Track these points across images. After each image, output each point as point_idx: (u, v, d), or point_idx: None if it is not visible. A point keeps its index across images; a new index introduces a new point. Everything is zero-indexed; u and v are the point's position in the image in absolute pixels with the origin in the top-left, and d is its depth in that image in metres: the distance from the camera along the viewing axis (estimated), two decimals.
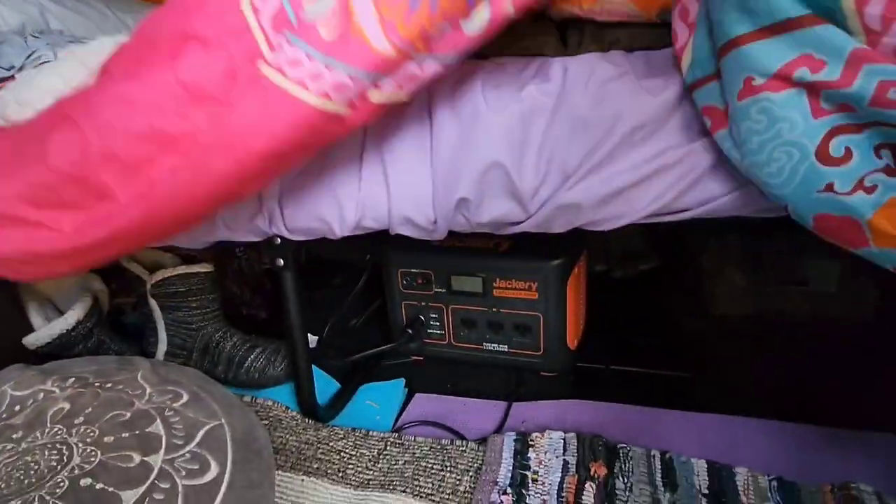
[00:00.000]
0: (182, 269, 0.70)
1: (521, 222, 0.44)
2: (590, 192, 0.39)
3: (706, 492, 0.52)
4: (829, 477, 0.53)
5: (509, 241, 0.77)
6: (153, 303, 0.72)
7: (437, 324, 0.81)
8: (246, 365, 0.73)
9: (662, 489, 0.53)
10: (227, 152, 0.40)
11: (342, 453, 0.61)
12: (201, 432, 0.44)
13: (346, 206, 0.49)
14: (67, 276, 0.72)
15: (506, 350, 0.78)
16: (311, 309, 0.90)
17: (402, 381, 0.75)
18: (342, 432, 0.65)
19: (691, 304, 0.93)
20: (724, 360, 0.79)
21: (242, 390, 0.73)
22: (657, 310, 0.96)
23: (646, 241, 1.19)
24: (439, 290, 0.78)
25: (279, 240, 0.56)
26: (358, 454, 0.61)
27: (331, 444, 0.63)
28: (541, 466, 0.56)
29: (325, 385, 0.77)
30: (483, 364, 0.82)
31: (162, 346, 0.74)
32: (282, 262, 0.58)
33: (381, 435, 0.64)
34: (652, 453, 0.57)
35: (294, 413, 0.67)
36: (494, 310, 0.76)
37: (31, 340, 0.67)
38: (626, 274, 1.08)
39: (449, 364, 0.84)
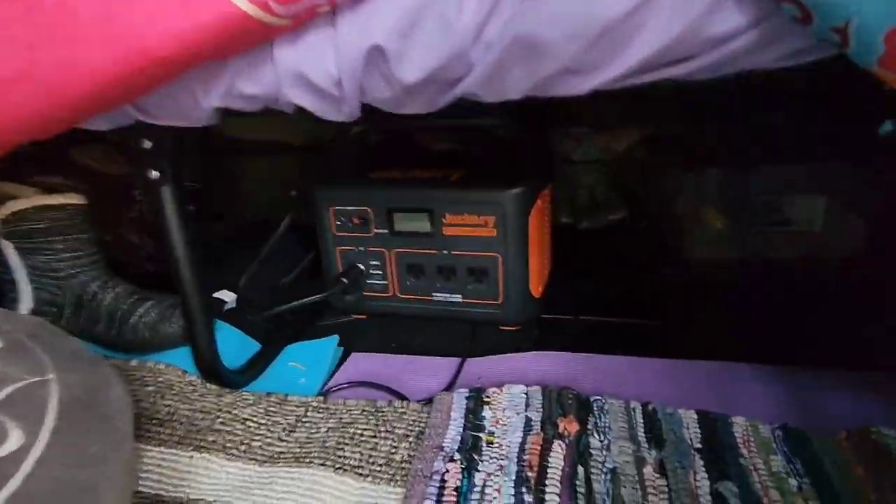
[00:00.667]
0: (40, 201, 0.55)
1: (463, 78, 0.32)
2: (560, 20, 0.27)
3: (699, 446, 0.42)
4: (840, 423, 0.44)
5: (461, 168, 0.65)
6: (6, 245, 0.56)
7: (379, 273, 0.68)
8: (132, 321, 0.58)
9: (647, 446, 0.43)
10: (113, 47, 0.29)
11: (248, 422, 0.48)
12: (6, 391, 0.31)
13: (213, 68, 0.35)
14: None
15: (459, 300, 0.67)
16: (234, 269, 0.77)
17: (335, 338, 0.62)
18: (252, 398, 0.52)
19: (666, 252, 0.84)
20: (705, 306, 0.70)
21: (130, 354, 0.58)
22: (629, 260, 0.87)
23: (614, 189, 1.10)
24: (380, 230, 0.66)
25: (147, 142, 0.42)
26: (269, 423, 0.48)
27: (235, 412, 0.49)
28: (497, 426, 0.45)
29: (243, 347, 0.63)
30: (434, 318, 0.70)
31: (26, 303, 0.58)
32: (156, 174, 0.44)
33: (302, 400, 0.52)
34: (632, 405, 0.47)
35: (192, 377, 0.54)
36: (445, 252, 0.64)
37: None
38: (594, 225, 0.99)
39: (394, 320, 0.72)
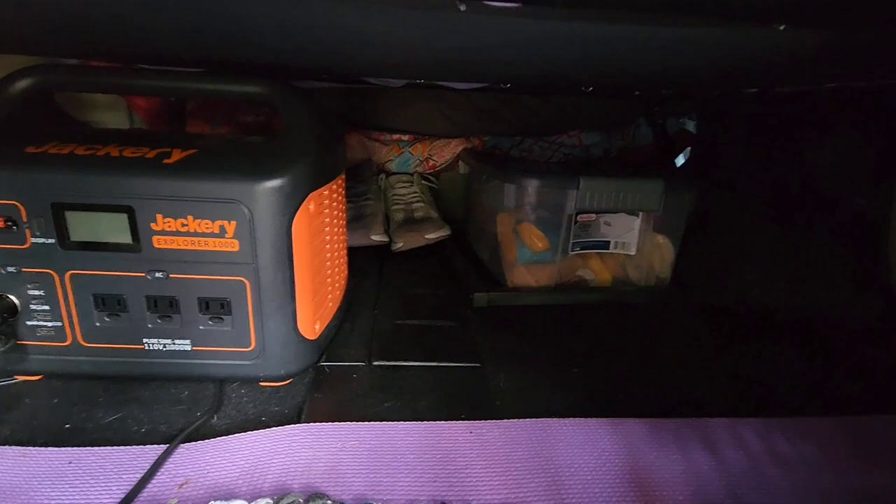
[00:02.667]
0: None
1: None
2: None
3: None
4: None
5: (189, 147, 0.43)
6: None
7: (46, 309, 0.42)
8: None
9: None
10: None
11: None
12: None
13: None
14: None
15: (188, 348, 0.44)
16: None
17: None
18: None
19: (488, 277, 0.73)
20: (527, 345, 0.59)
21: None
22: (446, 285, 0.74)
23: (434, 203, 0.97)
24: (42, 240, 0.40)
25: None
26: None
27: None
28: None
29: None
30: (146, 379, 0.46)
31: None
32: None
33: None
34: None
35: None
36: (159, 275, 0.41)
37: None
38: (409, 245, 0.84)
39: (87, 384, 0.45)
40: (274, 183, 0.40)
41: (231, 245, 0.41)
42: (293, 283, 0.43)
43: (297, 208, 0.42)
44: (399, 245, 0.84)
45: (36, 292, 0.41)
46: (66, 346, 0.43)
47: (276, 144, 0.44)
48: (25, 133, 0.42)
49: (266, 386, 0.47)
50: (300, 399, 0.46)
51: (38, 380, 0.46)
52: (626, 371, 0.53)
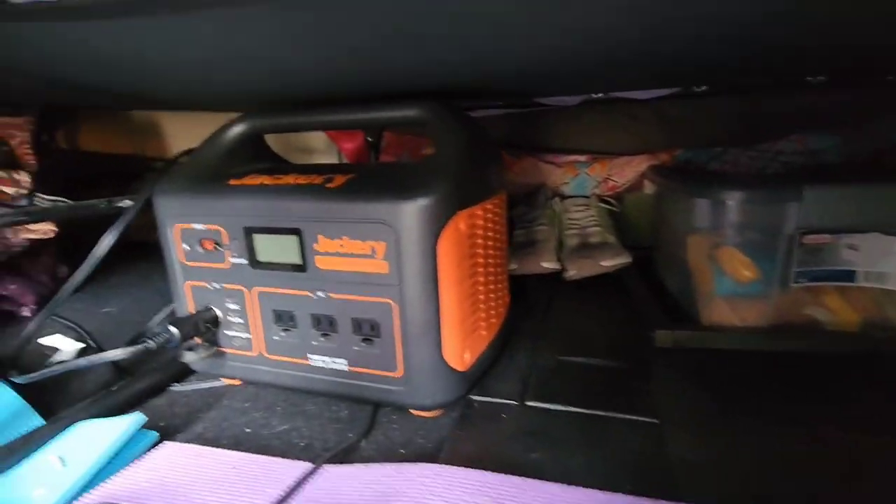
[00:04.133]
0: None
1: None
2: None
3: None
4: None
5: (349, 171, 0.45)
6: None
7: (240, 320, 0.48)
8: None
9: None
10: None
11: None
12: None
13: None
14: None
15: (345, 368, 0.45)
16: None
17: (138, 417, 0.41)
18: None
19: (677, 313, 0.61)
20: (728, 396, 0.46)
21: None
22: (626, 322, 0.64)
23: (615, 228, 0.87)
24: (238, 260, 0.46)
25: None
26: None
27: None
28: None
29: (17, 421, 0.43)
30: (313, 393, 0.48)
31: None
32: None
33: None
34: None
35: None
36: (321, 294, 0.43)
37: None
38: (584, 274, 0.76)
39: (271, 392, 0.51)
40: (418, 202, 0.39)
41: (380, 266, 0.41)
42: (438, 307, 0.41)
43: (443, 228, 0.40)
44: (572, 273, 0.77)
45: (233, 306, 0.47)
46: (254, 356, 0.48)
47: (426, 165, 0.43)
48: (235, 169, 0.50)
49: (417, 415, 0.45)
50: (444, 433, 0.43)
51: (239, 385, 0.53)
52: (885, 454, 0.37)
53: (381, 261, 0.40)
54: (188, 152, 0.54)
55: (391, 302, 0.41)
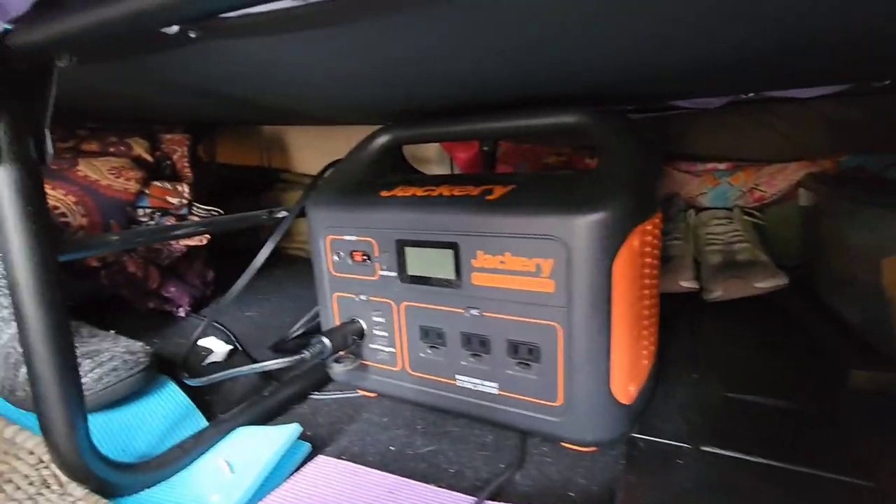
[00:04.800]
0: None
1: None
2: None
3: None
4: None
5: (505, 181, 0.42)
6: None
7: (385, 335, 0.47)
8: (23, 371, 0.42)
9: None
10: None
11: None
12: None
13: None
14: None
15: (495, 392, 0.42)
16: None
17: (296, 428, 0.41)
18: None
19: (855, 343, 0.51)
20: None
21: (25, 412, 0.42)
22: (790, 352, 0.55)
23: (766, 244, 0.77)
24: (387, 273, 0.45)
25: None
26: None
27: None
28: None
29: (183, 422, 0.45)
30: (458, 413, 0.46)
31: None
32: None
33: None
34: None
35: (47, 471, 0.35)
36: (475, 312, 0.41)
37: None
38: (732, 296, 0.68)
39: (410, 408, 0.49)
40: (595, 216, 0.35)
41: (546, 285, 0.37)
42: (609, 333, 0.37)
43: (620, 245, 0.36)
44: (716, 294, 0.69)
45: (379, 319, 0.47)
46: (397, 371, 0.47)
47: (595, 175, 0.40)
48: (379, 180, 0.50)
49: (571, 449, 0.41)
50: (609, 475, 0.38)
51: (375, 397, 0.52)
52: None
53: (547, 279, 0.37)
54: (333, 164, 0.55)
55: (555, 325, 0.38)
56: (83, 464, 0.33)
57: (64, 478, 0.34)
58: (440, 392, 0.45)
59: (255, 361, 0.59)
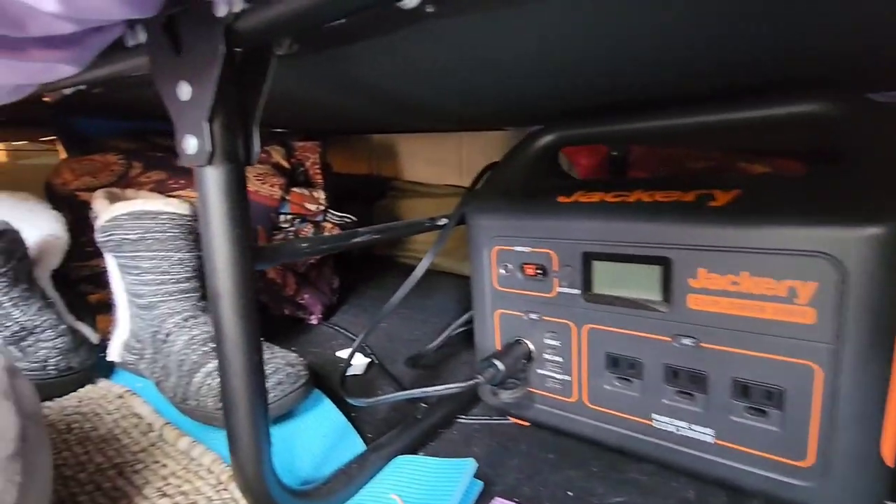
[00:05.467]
0: (139, 206, 0.43)
1: None
2: None
3: None
4: None
5: (732, 188, 0.35)
6: (108, 258, 0.46)
7: (558, 360, 0.41)
8: (196, 380, 0.40)
9: None
10: None
11: None
12: None
13: None
14: None
15: (710, 440, 0.35)
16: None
17: (471, 464, 0.36)
18: None
19: None
20: None
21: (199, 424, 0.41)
22: None
23: None
24: (567, 290, 0.39)
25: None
26: None
27: None
28: None
29: (338, 443, 0.42)
30: (653, 461, 0.39)
31: (121, 331, 0.48)
32: (197, 142, 0.26)
33: None
34: None
35: (227, 492, 0.33)
36: (688, 343, 0.34)
37: None
38: None
39: (578, 445, 0.43)
40: (884, 229, 0.27)
41: (802, 315, 0.30)
42: (889, 380, 0.29)
43: None
44: None
45: (552, 342, 0.41)
46: (571, 402, 0.41)
47: (852, 178, 0.31)
48: (549, 185, 0.44)
49: None
50: None
51: (527, 426, 0.46)
52: None
53: (805, 307, 0.29)
54: (490, 167, 0.51)
55: (813, 365, 0.30)
56: (266, 490, 0.30)
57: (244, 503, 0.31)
58: (629, 432, 0.38)
59: (391, 376, 0.56)
